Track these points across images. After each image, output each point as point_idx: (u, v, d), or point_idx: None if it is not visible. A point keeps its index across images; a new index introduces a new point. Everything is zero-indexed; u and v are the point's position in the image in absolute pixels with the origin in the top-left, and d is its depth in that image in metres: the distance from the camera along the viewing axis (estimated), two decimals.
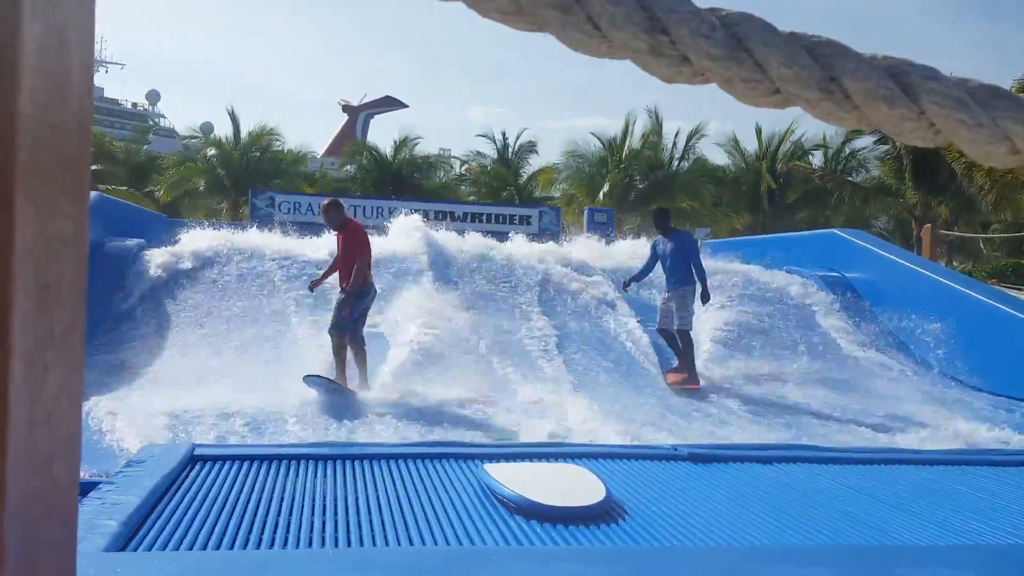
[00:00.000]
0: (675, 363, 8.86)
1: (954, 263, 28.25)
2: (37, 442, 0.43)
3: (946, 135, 0.49)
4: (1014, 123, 0.47)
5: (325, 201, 8.50)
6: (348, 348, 7.76)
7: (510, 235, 14.39)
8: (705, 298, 8.74)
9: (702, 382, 8.55)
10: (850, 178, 31.80)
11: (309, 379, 7.31)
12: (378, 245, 11.49)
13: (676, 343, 8.79)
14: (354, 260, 7.80)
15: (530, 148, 37.28)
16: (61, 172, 0.45)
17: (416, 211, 18.89)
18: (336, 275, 8.03)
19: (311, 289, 8.50)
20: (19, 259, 0.40)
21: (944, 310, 10.00)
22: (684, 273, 8.73)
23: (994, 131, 0.48)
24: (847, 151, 32.48)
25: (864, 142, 31.54)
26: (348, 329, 7.75)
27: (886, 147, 29.70)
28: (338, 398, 7.25)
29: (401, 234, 12.14)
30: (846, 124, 0.50)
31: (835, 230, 14.03)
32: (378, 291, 8.34)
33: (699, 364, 8.96)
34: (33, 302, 0.42)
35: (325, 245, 11.37)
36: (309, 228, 13.23)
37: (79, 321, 0.48)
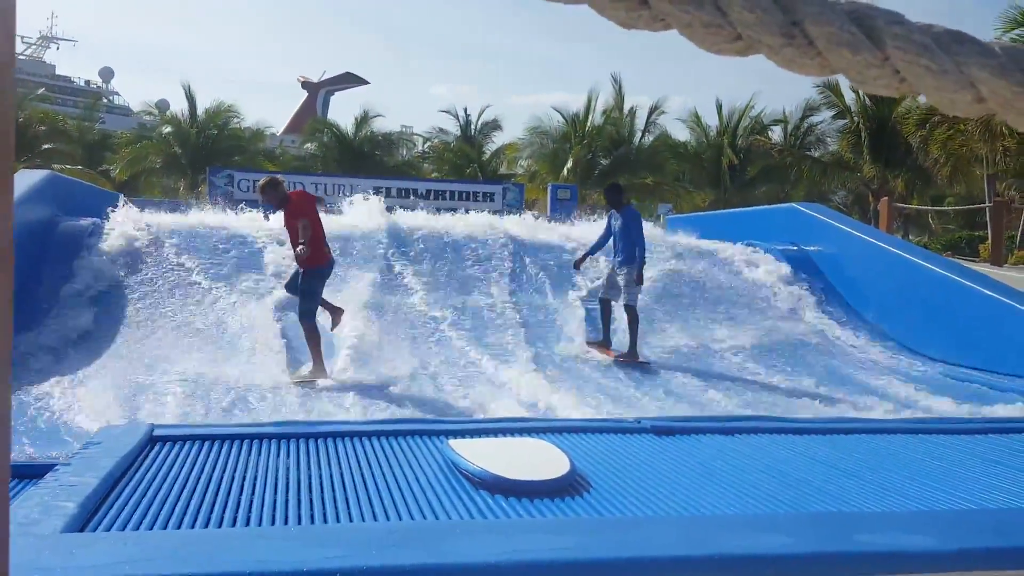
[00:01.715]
0: (596, 335, 8.94)
1: (910, 236, 28.76)
2: None
3: (911, 82, 0.47)
4: (979, 69, 0.45)
5: (260, 180, 7.88)
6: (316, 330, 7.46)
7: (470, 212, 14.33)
8: (639, 280, 8.70)
9: (641, 358, 8.52)
10: (809, 152, 32.15)
11: (296, 379, 7.12)
12: (337, 222, 11.43)
13: (610, 316, 8.87)
14: (301, 236, 7.25)
15: (494, 126, 37.11)
16: None
17: (378, 188, 18.81)
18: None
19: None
20: None
21: (901, 282, 10.16)
22: (632, 250, 8.74)
23: (958, 78, 0.46)
24: (805, 126, 32.77)
25: (822, 116, 31.88)
26: (305, 316, 7.36)
27: (844, 121, 30.07)
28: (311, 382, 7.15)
29: (361, 214, 12.01)
30: (809, 72, 0.48)
31: (795, 204, 14.15)
32: (335, 263, 7.97)
33: (658, 339, 9.06)
34: None
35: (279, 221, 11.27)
36: (269, 206, 13.03)
37: (4, 272, 0.45)
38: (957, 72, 0.46)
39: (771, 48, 0.46)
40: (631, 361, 8.39)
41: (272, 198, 7.61)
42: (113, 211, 10.89)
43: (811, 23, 0.46)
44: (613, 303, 8.88)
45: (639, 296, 8.83)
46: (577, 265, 9.36)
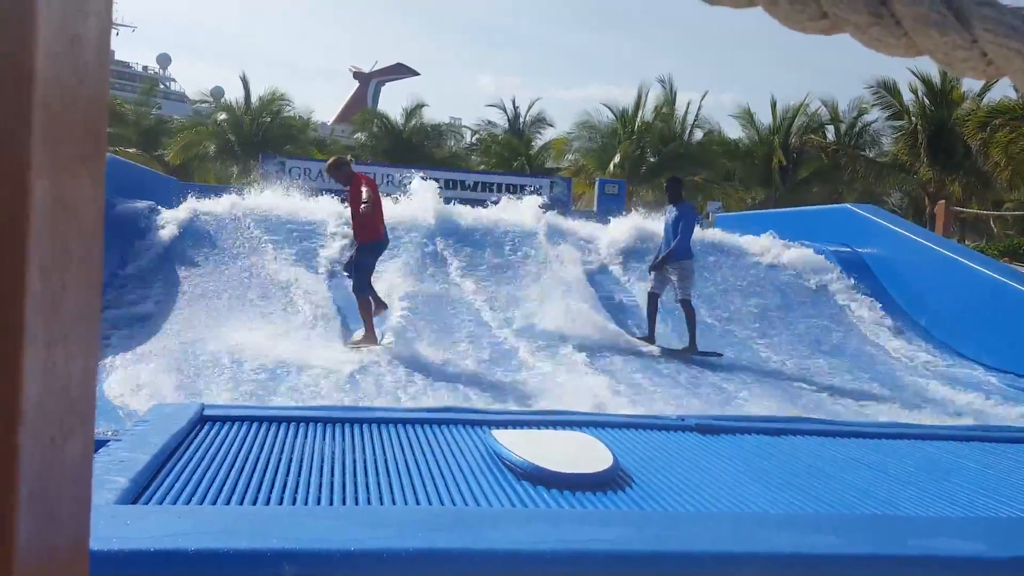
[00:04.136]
0: (644, 330, 8.90)
1: (966, 240, 28.09)
2: (55, 363, 0.42)
3: (999, 66, 0.47)
4: None
5: (329, 161, 8.44)
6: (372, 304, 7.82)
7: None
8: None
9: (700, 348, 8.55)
10: (863, 153, 31.52)
11: (349, 345, 7.63)
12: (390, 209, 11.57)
13: (655, 310, 8.84)
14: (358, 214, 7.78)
15: (543, 120, 37.02)
16: (79, 86, 0.44)
17: (426, 179, 18.89)
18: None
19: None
20: (34, 171, 0.39)
21: (956, 286, 9.95)
22: (685, 245, 8.71)
23: None
24: (860, 125, 32.13)
25: (874, 116, 31.25)
26: (369, 288, 7.77)
27: (901, 122, 29.44)
28: (367, 356, 7.42)
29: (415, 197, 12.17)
30: (895, 52, 0.48)
31: (849, 205, 13.92)
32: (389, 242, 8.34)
33: (711, 337, 8.97)
34: (48, 217, 0.41)
35: (334, 206, 11.49)
36: (320, 193, 13.20)
37: (96, 244, 0.47)
38: None
39: (857, 27, 0.46)
40: (692, 353, 8.38)
41: (338, 176, 8.00)
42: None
43: (899, 2, 0.45)
44: (661, 298, 8.85)
45: (692, 290, 8.76)
46: (653, 269, 9.08)
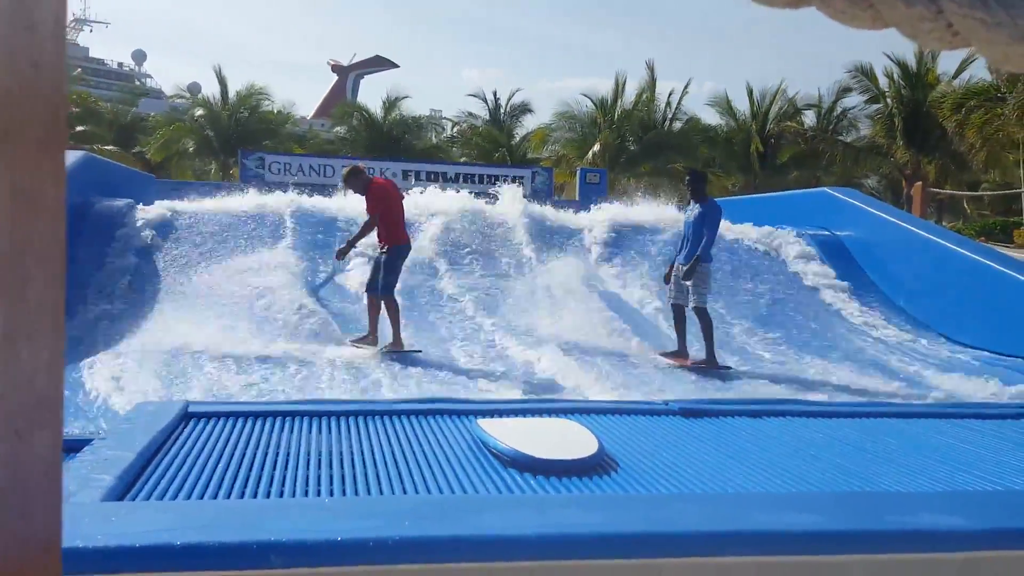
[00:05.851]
0: (677, 344, 8.03)
1: (943, 221, 28.33)
2: (19, 356, 0.42)
3: (964, 35, 0.47)
4: None
5: (344, 170, 8.41)
6: (383, 306, 7.78)
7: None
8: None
9: (720, 362, 7.77)
10: (841, 137, 31.70)
11: (352, 342, 7.61)
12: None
13: (683, 322, 8.04)
14: (381, 219, 7.83)
15: (524, 110, 36.93)
16: (37, 73, 0.43)
17: (408, 171, 18.95)
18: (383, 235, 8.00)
19: (338, 258, 8.54)
20: None
21: (934, 267, 10.03)
22: (710, 248, 7.90)
23: (1013, 31, 0.46)
24: (838, 110, 32.31)
25: (854, 100, 31.42)
26: (386, 289, 7.76)
27: (878, 106, 29.64)
28: (367, 352, 7.43)
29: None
30: (861, 24, 0.48)
31: (827, 188, 13.98)
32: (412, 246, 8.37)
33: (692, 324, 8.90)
34: (7, 207, 0.40)
35: (321, 203, 11.48)
36: (299, 188, 13.12)
37: (59, 234, 0.46)
38: (1012, 25, 0.45)
39: (823, 0, 0.46)
40: (710, 368, 7.61)
41: (354, 185, 8.01)
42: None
43: None
44: (686, 308, 7.95)
45: (708, 296, 7.93)
46: (667, 278, 8.23)
